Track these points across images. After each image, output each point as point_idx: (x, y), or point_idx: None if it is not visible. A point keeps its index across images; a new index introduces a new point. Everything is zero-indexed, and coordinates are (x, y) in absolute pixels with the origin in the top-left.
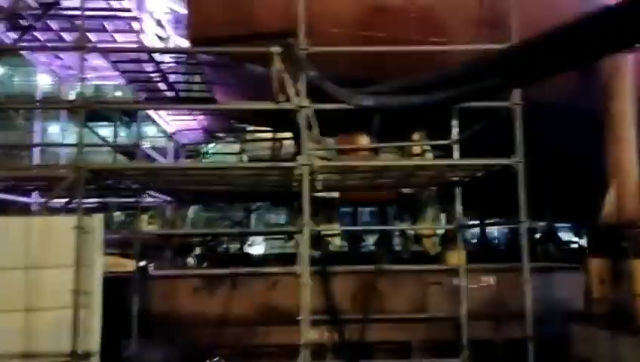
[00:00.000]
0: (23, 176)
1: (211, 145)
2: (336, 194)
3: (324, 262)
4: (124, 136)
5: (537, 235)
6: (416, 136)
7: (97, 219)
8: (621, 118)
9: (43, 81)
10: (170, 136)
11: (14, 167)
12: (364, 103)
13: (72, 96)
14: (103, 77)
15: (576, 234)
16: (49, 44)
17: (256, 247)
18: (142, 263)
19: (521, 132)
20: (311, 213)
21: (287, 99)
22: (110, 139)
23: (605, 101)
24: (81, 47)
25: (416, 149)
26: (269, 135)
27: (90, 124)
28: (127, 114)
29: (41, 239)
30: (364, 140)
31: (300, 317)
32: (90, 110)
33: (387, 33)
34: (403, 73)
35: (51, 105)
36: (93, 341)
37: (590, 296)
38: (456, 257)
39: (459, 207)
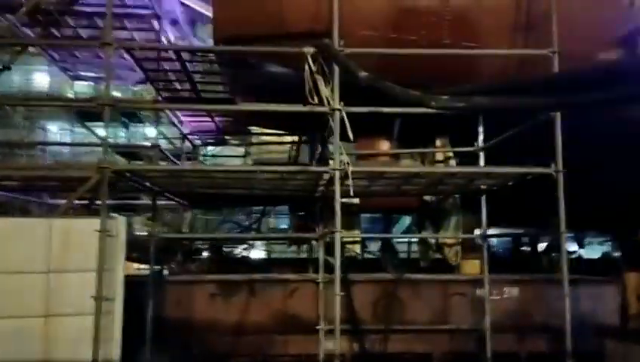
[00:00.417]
0: (40, 175)
1: (210, 148)
2: (356, 201)
3: (344, 270)
4: (123, 136)
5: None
6: (439, 142)
7: (121, 222)
8: None
9: (41, 80)
10: (185, 137)
11: (32, 166)
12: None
13: (70, 95)
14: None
15: (580, 245)
16: (71, 41)
17: (255, 252)
18: (156, 267)
19: (560, 141)
20: (330, 219)
21: (320, 102)
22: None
23: None
24: (108, 43)
25: (440, 156)
26: (276, 139)
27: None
28: (126, 115)
29: (62, 242)
30: (384, 145)
31: (318, 327)
32: (115, 109)
33: (419, 36)
34: (434, 79)
35: (72, 102)
36: (114, 349)
37: (627, 311)
38: (472, 266)
39: (484, 216)
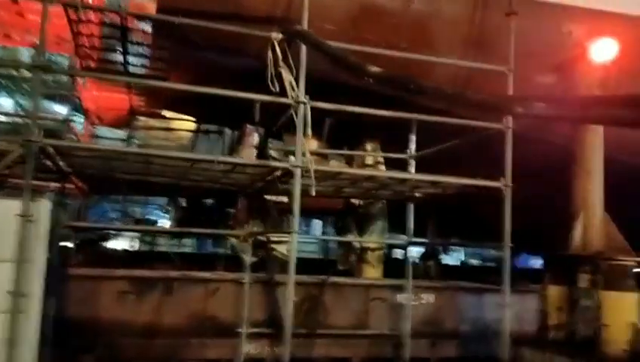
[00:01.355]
0: None
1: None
2: (285, 199)
3: (267, 271)
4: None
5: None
6: (369, 146)
7: (43, 206)
8: (593, 151)
9: None
10: (86, 114)
11: None
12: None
13: None
14: None
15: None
16: None
17: (121, 242)
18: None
19: (510, 155)
20: (256, 217)
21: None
22: None
23: (578, 133)
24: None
25: (369, 160)
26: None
27: None
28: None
29: None
30: (313, 144)
31: (240, 330)
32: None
33: (378, 37)
34: None
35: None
36: (28, 354)
37: (546, 321)
38: (374, 271)
39: (410, 224)
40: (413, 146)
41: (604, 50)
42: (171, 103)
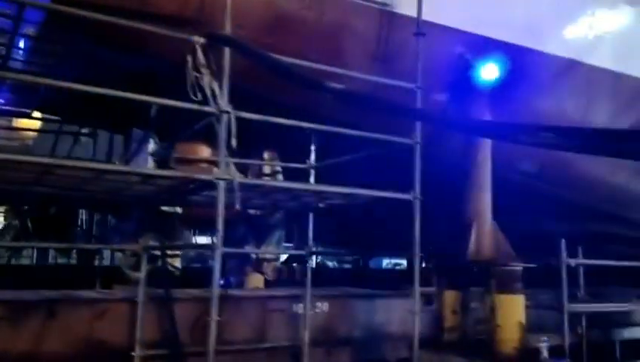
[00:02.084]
0: None
1: None
2: (178, 210)
3: (161, 286)
4: None
5: None
6: (266, 155)
7: None
8: (484, 167)
9: None
10: None
11: None
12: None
13: None
14: None
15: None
16: None
17: None
18: None
19: (419, 169)
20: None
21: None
22: None
23: (472, 151)
24: None
25: (267, 169)
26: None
27: None
28: None
29: None
30: (205, 151)
31: (133, 353)
32: None
33: (289, 46)
34: (292, 91)
35: None
36: None
37: (442, 325)
38: (257, 281)
39: (311, 233)
40: (312, 156)
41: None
42: (44, 103)
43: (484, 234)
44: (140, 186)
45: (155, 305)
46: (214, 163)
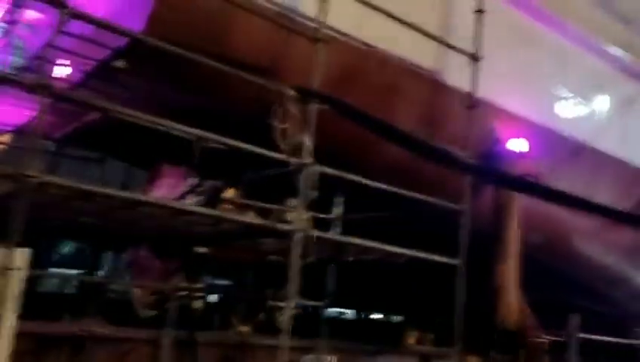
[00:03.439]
0: None
1: None
2: (205, 250)
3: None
4: None
5: None
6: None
7: (20, 256)
8: (513, 236)
9: None
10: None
11: None
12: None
13: None
14: None
15: None
16: None
17: None
18: None
19: (466, 235)
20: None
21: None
22: None
23: (503, 220)
24: None
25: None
26: None
27: None
28: None
29: None
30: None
31: None
32: None
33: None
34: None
35: None
36: None
37: None
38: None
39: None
40: (339, 208)
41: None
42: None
43: (511, 302)
44: (204, 228)
45: (180, 347)
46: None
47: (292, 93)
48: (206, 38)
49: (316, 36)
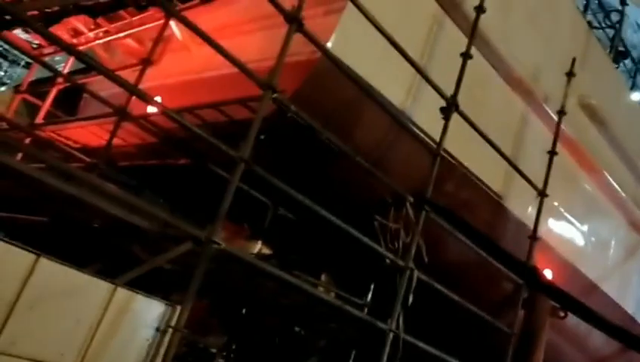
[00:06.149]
0: None
1: None
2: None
3: None
4: None
5: None
6: (323, 277)
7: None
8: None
9: None
10: None
11: None
12: None
13: None
14: None
15: None
16: None
17: None
18: None
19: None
20: None
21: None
22: None
23: (531, 346)
24: None
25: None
26: None
27: None
28: None
29: None
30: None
31: None
32: None
33: None
34: None
35: None
36: None
37: None
38: None
39: None
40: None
41: None
42: None
43: None
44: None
45: None
46: None
47: (411, 199)
48: (337, 125)
49: (437, 152)
